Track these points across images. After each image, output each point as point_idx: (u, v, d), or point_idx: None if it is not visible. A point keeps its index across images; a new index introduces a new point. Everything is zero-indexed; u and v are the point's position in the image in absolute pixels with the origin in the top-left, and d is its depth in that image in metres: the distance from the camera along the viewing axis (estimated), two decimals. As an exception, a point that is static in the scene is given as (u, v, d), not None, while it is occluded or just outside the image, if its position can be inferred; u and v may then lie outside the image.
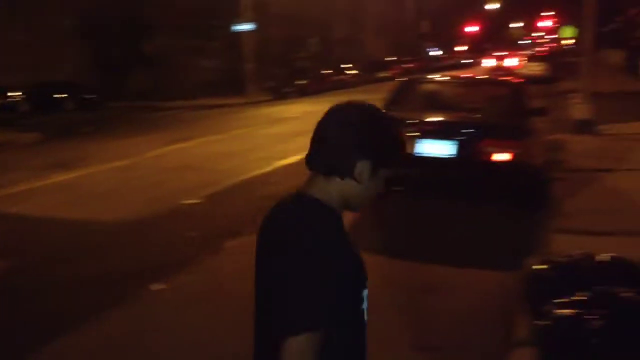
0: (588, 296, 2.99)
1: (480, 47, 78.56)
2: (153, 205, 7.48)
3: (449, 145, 5.96)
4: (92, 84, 26.53)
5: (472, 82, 7.57)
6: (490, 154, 5.79)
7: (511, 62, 39.44)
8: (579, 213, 6.27)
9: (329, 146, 1.41)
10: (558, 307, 2.97)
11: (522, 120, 6.30)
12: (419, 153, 6.13)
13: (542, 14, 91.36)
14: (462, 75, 9.70)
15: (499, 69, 40.38)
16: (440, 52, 71.67)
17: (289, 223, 1.41)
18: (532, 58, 32.37)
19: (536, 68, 30.13)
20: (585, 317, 2.84)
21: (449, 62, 69.10)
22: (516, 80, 7.43)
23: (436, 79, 8.06)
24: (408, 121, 6.30)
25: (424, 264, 5.28)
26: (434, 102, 6.97)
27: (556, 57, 37.26)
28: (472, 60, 64.28)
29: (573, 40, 78.61)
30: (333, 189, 1.43)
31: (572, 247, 5.32)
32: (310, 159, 1.46)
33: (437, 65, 64.07)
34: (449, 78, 8.03)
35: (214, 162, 10.50)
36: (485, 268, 5.18)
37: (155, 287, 4.93)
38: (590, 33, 11.87)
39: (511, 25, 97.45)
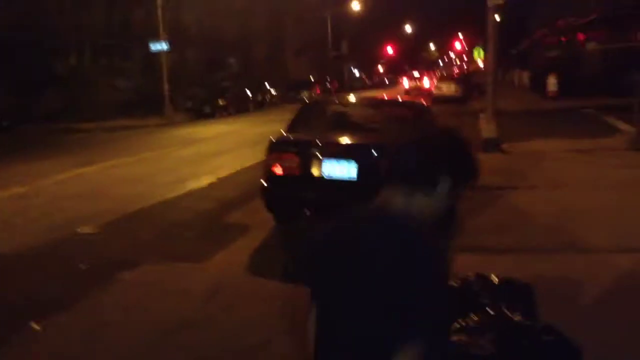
0: (476, 321, 2.93)
1: (399, 67, 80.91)
2: (48, 235, 7.00)
3: (350, 168, 5.88)
4: (1, 108, 25.10)
5: (376, 104, 7.56)
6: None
7: (426, 82, 40.77)
8: (480, 231, 6.35)
9: (425, 167, 1.58)
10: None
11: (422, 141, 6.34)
12: (321, 175, 6.02)
13: (458, 34, 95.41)
14: (367, 97, 9.76)
15: (415, 89, 41.67)
16: (360, 73, 73.13)
17: (418, 243, 1.51)
18: (442, 79, 33.43)
19: (447, 88, 31.15)
20: (472, 343, 2.77)
21: (370, 83, 70.75)
22: (419, 102, 7.50)
23: (341, 100, 8.03)
24: (310, 143, 6.20)
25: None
26: (338, 124, 6.91)
27: (467, 78, 38.79)
28: (389, 81, 65.96)
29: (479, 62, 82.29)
30: (418, 204, 1.58)
31: (470, 266, 5.37)
32: (394, 177, 1.61)
33: (357, 85, 65.44)
34: (354, 100, 7.99)
35: (118, 187, 10.01)
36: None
37: (35, 326, 4.52)
38: (492, 54, 12.29)
39: (429, 46, 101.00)
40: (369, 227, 1.58)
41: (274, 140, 6.30)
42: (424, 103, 8.18)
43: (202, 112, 29.42)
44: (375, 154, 5.88)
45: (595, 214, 6.85)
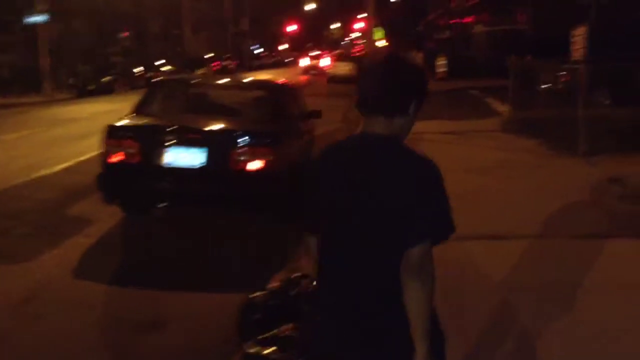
0: (288, 330, 2.58)
1: (302, 46, 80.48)
2: None
3: (197, 155, 5.37)
4: None
5: (232, 86, 7.02)
6: (240, 163, 5.31)
7: (325, 61, 40.56)
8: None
9: (398, 94, 1.80)
10: (258, 343, 2.53)
11: (281, 125, 5.94)
12: (168, 164, 5.48)
13: (358, 16, 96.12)
14: (225, 79, 9.22)
15: (312, 68, 41.44)
16: (262, 50, 72.14)
17: (416, 162, 1.78)
18: (340, 58, 33.37)
19: (344, 68, 31.12)
20: (275, 357, 2.43)
21: (271, 61, 69.85)
22: (280, 83, 7.02)
23: (194, 81, 7.45)
24: (153, 128, 5.64)
25: (164, 292, 4.63)
26: (187, 107, 6.38)
27: (365, 58, 39.04)
28: (293, 59, 65.38)
29: (384, 42, 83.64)
30: (396, 126, 1.81)
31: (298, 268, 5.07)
32: (382, 104, 1.79)
33: (257, 63, 64.42)
34: (208, 80, 7.45)
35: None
36: (232, 292, 4.68)
37: None
38: (370, 37, 12.10)
39: (331, 25, 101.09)
40: (374, 151, 1.80)
41: (112, 126, 5.66)
42: (289, 84, 7.78)
43: (86, 89, 27.63)
44: (225, 141, 5.41)
45: (461, 200, 6.76)
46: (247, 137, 5.34)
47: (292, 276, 3.16)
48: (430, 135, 11.22)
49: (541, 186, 6.92)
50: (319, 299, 1.94)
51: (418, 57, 36.33)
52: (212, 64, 49.73)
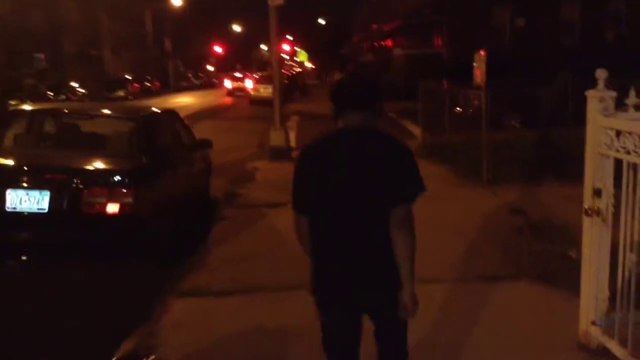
0: None
1: (230, 67, 79.53)
2: None
3: (41, 197, 4.64)
4: None
5: (91, 115, 6.25)
6: (92, 206, 4.62)
7: (248, 83, 39.97)
8: (220, 264, 5.45)
9: (367, 94, 2.48)
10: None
11: (147, 160, 5.29)
12: (11, 208, 4.71)
13: (286, 36, 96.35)
14: (85, 107, 8.47)
15: (237, 90, 40.77)
16: (186, 72, 70.85)
17: (392, 143, 2.46)
18: (260, 80, 32.84)
19: (265, 90, 30.62)
20: None
21: (198, 82, 68.56)
22: (147, 113, 6.26)
23: (48, 109, 6.67)
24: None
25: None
26: (42, 140, 5.64)
27: (290, 79, 38.68)
28: (219, 81, 64.42)
29: (309, 64, 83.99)
30: (372, 119, 2.47)
31: (188, 315, 4.43)
32: (357, 102, 2.44)
33: (183, 84, 63.07)
34: (64, 108, 6.68)
35: None
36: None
37: None
38: (275, 58, 11.65)
39: (261, 46, 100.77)
40: (358, 140, 2.42)
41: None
42: (168, 112, 7.14)
43: (-11, 113, 25.85)
44: (72, 182, 4.69)
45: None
46: (100, 177, 4.66)
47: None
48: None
49: (440, 219, 6.52)
50: (322, 259, 2.49)
51: (338, 77, 36.40)
52: (133, 85, 48.19)
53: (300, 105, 29.38)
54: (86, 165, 4.87)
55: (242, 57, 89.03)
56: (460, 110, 13.36)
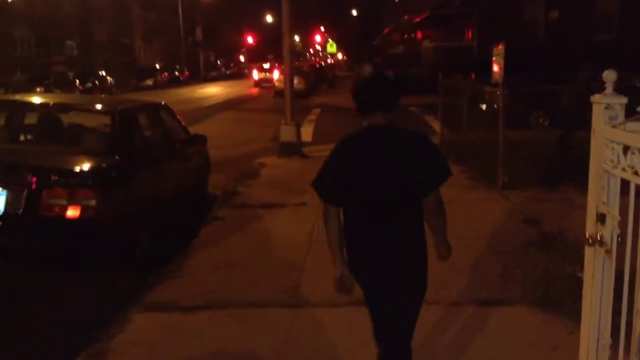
0: None
1: (262, 57, 79.39)
2: None
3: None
4: None
5: (65, 108, 5.86)
6: (53, 209, 4.25)
7: (276, 74, 39.54)
8: (198, 272, 5.05)
9: (391, 96, 2.74)
10: None
11: (121, 159, 4.90)
12: (-30, 208, 4.37)
13: (320, 27, 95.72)
14: (61, 99, 8.08)
15: (264, 81, 40.44)
16: (217, 62, 70.87)
17: (419, 138, 2.76)
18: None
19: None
20: None
21: (228, 72, 68.46)
22: (127, 106, 5.82)
23: (17, 101, 6.26)
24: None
25: None
26: (8, 136, 5.28)
27: (318, 70, 38.18)
28: (249, 71, 64.23)
29: (340, 55, 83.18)
30: (390, 117, 2.71)
31: (148, 332, 4.02)
32: (379, 105, 2.69)
33: (213, 74, 63.00)
34: (32, 100, 6.29)
35: None
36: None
37: None
38: (287, 50, 11.17)
39: (295, 37, 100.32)
40: (389, 137, 2.70)
41: None
42: (141, 104, 6.65)
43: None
44: (31, 181, 4.33)
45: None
46: (61, 176, 4.28)
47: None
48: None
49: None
50: (355, 245, 2.73)
51: (366, 69, 35.61)
52: (162, 74, 48.27)
53: (326, 98, 28.86)
54: (48, 163, 4.50)
55: (274, 48, 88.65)
56: (485, 107, 12.76)
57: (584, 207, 3.03)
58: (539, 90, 8.58)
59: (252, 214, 6.94)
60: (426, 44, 28.18)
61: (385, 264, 2.66)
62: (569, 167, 7.56)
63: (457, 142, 10.67)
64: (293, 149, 10.92)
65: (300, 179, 9.02)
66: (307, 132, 15.81)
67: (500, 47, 7.90)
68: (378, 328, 2.75)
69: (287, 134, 11.01)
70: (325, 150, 11.43)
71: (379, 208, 2.64)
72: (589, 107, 2.87)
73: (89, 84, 32.88)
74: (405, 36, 37.69)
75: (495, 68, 8.10)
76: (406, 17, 38.68)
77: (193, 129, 11.02)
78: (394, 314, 2.69)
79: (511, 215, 6.50)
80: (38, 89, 27.78)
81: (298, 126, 11.10)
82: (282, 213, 6.98)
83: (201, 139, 7.17)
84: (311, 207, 7.13)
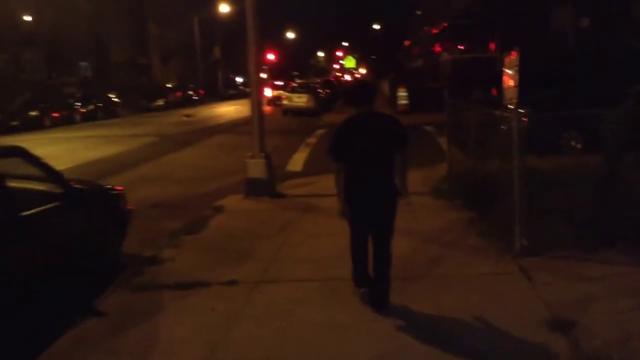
0: None
1: (284, 74, 78.00)
2: None
3: None
4: None
5: None
6: None
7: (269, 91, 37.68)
8: None
9: (371, 96, 4.53)
10: None
11: None
12: None
13: (342, 43, 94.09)
14: None
15: (277, 99, 38.48)
16: (235, 81, 69.50)
17: (391, 119, 4.56)
18: (294, 88, 30.40)
19: (298, 99, 28.18)
20: None
21: (247, 90, 66.91)
22: None
23: None
24: None
25: None
26: None
27: (330, 87, 36.04)
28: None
29: (362, 69, 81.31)
30: (372, 107, 4.49)
31: None
32: (364, 102, 4.44)
33: (230, 92, 61.45)
34: None
35: None
36: None
37: None
38: (254, 64, 9.08)
39: (318, 53, 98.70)
40: (375, 119, 4.44)
41: None
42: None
43: (9, 125, 24.45)
44: None
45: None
46: None
47: None
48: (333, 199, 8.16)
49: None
50: (353, 189, 4.38)
51: (385, 85, 33.36)
52: (175, 94, 46.81)
53: (338, 116, 26.67)
54: None
55: (298, 65, 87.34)
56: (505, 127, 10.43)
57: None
58: (572, 115, 6.22)
59: (156, 302, 4.82)
60: (445, 56, 25.89)
61: (373, 194, 4.37)
62: (619, 220, 5.31)
63: (465, 177, 8.39)
64: (262, 188, 8.80)
65: (255, 233, 6.89)
66: (298, 160, 13.75)
67: (513, 55, 5.69)
68: (366, 237, 4.52)
69: (254, 169, 8.88)
70: (311, 185, 9.19)
71: (369, 161, 4.37)
72: None
73: (91, 107, 31.34)
74: (425, 49, 35.48)
75: (511, 82, 5.90)
76: (425, 28, 36.50)
77: (173, 157, 9.09)
78: (380, 223, 4.46)
79: (530, 310, 4.24)
80: (33, 113, 26.30)
81: (269, 159, 8.97)
82: (194, 302, 4.83)
83: (103, 194, 5.14)
84: (242, 289, 4.98)
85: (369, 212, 4.37)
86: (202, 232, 6.98)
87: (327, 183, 10.18)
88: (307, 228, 7.07)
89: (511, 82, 5.89)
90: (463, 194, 7.96)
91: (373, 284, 4.48)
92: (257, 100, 9.01)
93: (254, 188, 8.81)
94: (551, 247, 5.43)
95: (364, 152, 4.29)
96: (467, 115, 7.80)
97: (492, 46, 24.03)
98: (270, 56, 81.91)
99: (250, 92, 9.24)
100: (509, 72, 5.90)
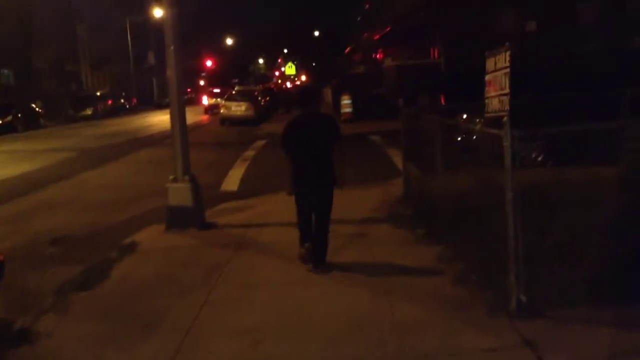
0: None
1: (226, 81, 75.79)
2: None
3: None
4: None
5: None
6: None
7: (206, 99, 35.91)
8: None
9: (316, 97, 6.12)
10: None
11: None
12: None
13: (283, 50, 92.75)
14: None
15: (214, 107, 36.60)
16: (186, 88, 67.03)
17: (328, 118, 5.88)
18: (231, 96, 28.74)
19: (237, 107, 26.59)
20: None
21: (186, 97, 64.43)
22: None
23: None
24: None
25: None
26: None
27: (270, 94, 34.56)
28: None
29: (303, 77, 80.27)
30: (316, 108, 5.78)
31: None
32: (309, 103, 5.70)
33: (165, 101, 58.88)
34: None
35: None
36: None
37: None
38: (174, 71, 7.54)
39: (259, 60, 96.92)
40: (316, 118, 5.62)
41: None
42: None
43: None
44: None
45: None
46: None
47: None
48: (272, 231, 6.69)
49: None
50: (298, 174, 5.48)
51: (328, 94, 32.09)
52: (105, 102, 44.18)
53: (277, 126, 25.20)
54: None
55: (238, 72, 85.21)
56: (463, 138, 9.12)
57: None
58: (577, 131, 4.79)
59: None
60: (388, 62, 24.86)
61: (315, 181, 5.43)
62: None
63: (429, 196, 7.08)
64: (187, 218, 7.27)
65: (171, 284, 5.36)
66: (234, 177, 12.19)
67: (505, 55, 4.37)
68: (310, 212, 5.57)
69: (177, 195, 7.32)
70: (248, 210, 7.45)
71: (311, 154, 5.41)
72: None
73: (9, 118, 28.69)
74: (366, 55, 34.55)
75: (492, 89, 4.59)
76: (365, 34, 35.61)
77: (90, 175, 7.59)
78: (319, 202, 5.50)
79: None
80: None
81: (195, 182, 7.43)
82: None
83: None
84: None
85: (311, 195, 5.49)
86: (101, 286, 5.38)
87: (266, 207, 8.78)
88: (240, 274, 5.60)
89: (494, 91, 4.60)
90: (425, 221, 6.69)
91: (314, 242, 5.53)
92: (177, 112, 7.46)
93: (177, 218, 7.26)
94: (555, 301, 4.16)
95: (307, 145, 5.43)
96: (433, 127, 6.51)
97: (436, 52, 23.21)
98: (209, 62, 79.77)
99: (170, 102, 7.66)
100: (493, 76, 4.60)
